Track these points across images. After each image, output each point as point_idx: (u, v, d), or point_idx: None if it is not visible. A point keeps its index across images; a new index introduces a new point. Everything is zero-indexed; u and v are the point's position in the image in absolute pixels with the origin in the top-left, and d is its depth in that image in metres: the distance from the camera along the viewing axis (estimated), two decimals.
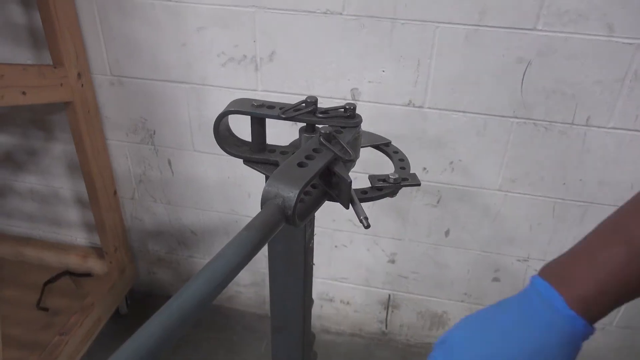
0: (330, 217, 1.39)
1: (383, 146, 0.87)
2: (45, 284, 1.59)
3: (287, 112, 0.78)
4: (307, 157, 0.67)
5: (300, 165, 0.64)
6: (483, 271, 1.40)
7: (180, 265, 1.63)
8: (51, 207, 1.60)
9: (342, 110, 0.78)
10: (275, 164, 0.82)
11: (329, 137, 0.71)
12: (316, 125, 0.80)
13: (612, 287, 0.40)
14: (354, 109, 0.78)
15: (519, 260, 1.35)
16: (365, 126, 1.22)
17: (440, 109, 1.17)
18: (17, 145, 1.49)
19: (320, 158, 0.67)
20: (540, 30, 1.04)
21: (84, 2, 1.20)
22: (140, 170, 1.44)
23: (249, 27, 1.15)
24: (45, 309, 1.51)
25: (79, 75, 1.23)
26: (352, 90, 1.18)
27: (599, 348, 1.47)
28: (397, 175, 0.77)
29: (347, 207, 0.70)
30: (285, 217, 0.59)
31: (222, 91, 1.25)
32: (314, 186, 0.70)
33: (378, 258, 1.44)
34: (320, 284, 1.55)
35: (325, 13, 1.10)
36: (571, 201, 1.21)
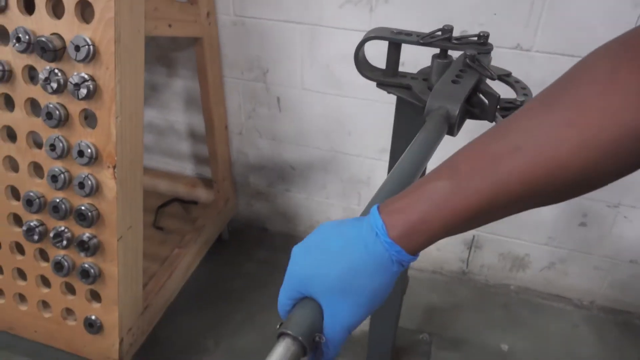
0: None
1: (504, 77, 0.94)
2: (159, 207, 1.78)
3: (425, 38, 0.87)
4: (458, 76, 0.77)
5: (455, 82, 0.75)
6: (571, 215, 1.45)
7: (277, 199, 1.78)
8: (166, 139, 1.77)
9: (476, 38, 0.86)
10: (408, 88, 0.91)
11: (474, 59, 0.80)
12: (448, 51, 0.88)
13: (434, 217, 0.41)
14: (487, 36, 0.86)
15: (608, 206, 1.40)
16: None
17: (548, 53, 1.22)
18: None
19: (468, 77, 0.77)
20: None
21: None
22: (251, 106, 1.58)
23: None
24: (161, 228, 1.70)
25: (208, 14, 1.36)
26: (461, 32, 1.25)
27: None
28: (523, 98, 0.84)
29: (492, 121, 0.79)
30: (448, 125, 0.69)
31: (335, 32, 1.34)
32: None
33: None
34: None
35: None
36: None
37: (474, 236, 1.60)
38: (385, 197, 0.51)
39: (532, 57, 1.23)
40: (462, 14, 1.22)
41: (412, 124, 0.94)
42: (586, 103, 0.37)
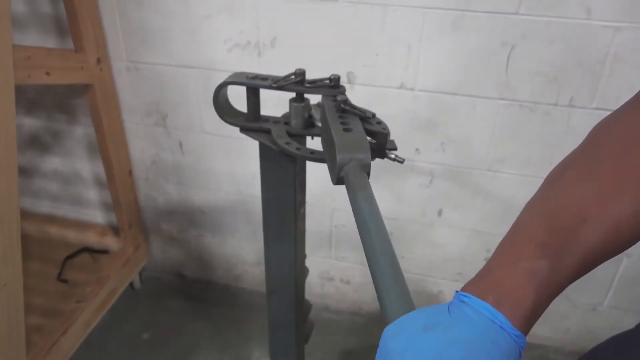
0: (329, 196, 1.47)
1: (367, 119, 0.94)
2: (66, 259, 1.71)
3: (278, 82, 0.86)
4: (344, 124, 0.74)
5: (347, 130, 0.71)
6: (476, 250, 1.45)
7: (191, 244, 1.73)
8: (73, 187, 1.72)
9: (328, 80, 0.86)
10: (268, 132, 0.91)
11: (347, 103, 0.79)
12: (304, 95, 0.88)
13: (544, 298, 0.41)
14: (339, 79, 0.86)
15: None
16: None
17: (430, 91, 1.24)
18: (43, 128, 1.61)
19: (353, 122, 0.74)
20: (523, 14, 1.10)
21: None
22: (154, 151, 1.55)
23: (253, 14, 1.24)
24: (65, 281, 1.63)
25: (98, 60, 1.35)
26: (348, 73, 1.26)
27: (591, 329, 1.51)
28: (389, 133, 0.84)
29: (384, 158, 0.78)
30: (367, 173, 0.67)
31: (226, 76, 1.34)
32: None
33: None
34: (321, 263, 1.62)
35: (323, 0, 1.19)
36: None
37: None
38: (402, 293, 0.45)
39: (417, 96, 1.25)
40: (346, 56, 1.24)
41: (277, 169, 0.93)
42: (627, 174, 0.43)
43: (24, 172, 1.73)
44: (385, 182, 1.40)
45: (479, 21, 1.13)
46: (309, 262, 1.63)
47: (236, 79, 0.89)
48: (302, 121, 0.88)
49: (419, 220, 1.44)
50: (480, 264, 1.47)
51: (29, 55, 1.12)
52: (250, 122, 0.92)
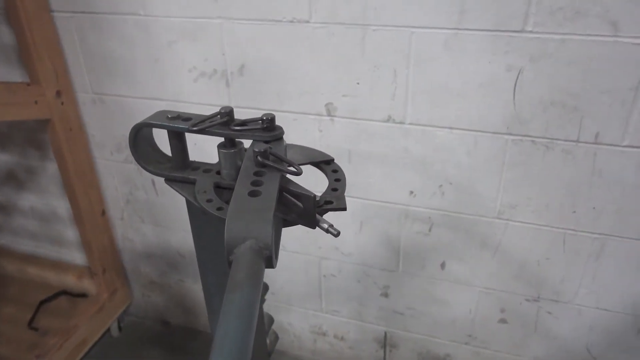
0: (315, 244, 1.28)
1: (324, 164, 0.76)
2: (41, 303, 1.59)
3: (198, 125, 0.69)
4: (254, 184, 0.57)
5: (253, 194, 0.54)
6: (487, 310, 1.22)
7: (172, 289, 1.57)
8: (51, 225, 1.61)
9: (260, 122, 0.68)
10: (193, 183, 0.74)
11: (266, 155, 0.61)
12: (237, 140, 0.71)
13: None
14: (273, 119, 0.68)
15: (527, 300, 1.16)
16: (343, 144, 1.11)
17: (423, 125, 1.04)
18: (17, 164, 1.52)
19: (268, 181, 0.57)
20: (531, 31, 0.89)
21: (64, 22, 1.20)
22: (127, 190, 1.41)
23: (217, 39, 1.09)
24: (36, 329, 1.50)
25: (57, 93, 1.23)
26: (326, 105, 1.08)
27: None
28: (318, 197, 0.65)
29: (314, 227, 0.60)
30: (265, 259, 0.48)
31: (195, 108, 1.19)
32: None
33: (370, 290, 1.31)
34: (311, 316, 1.42)
35: (292, 22, 1.02)
36: (584, 233, 1.03)
37: (386, 333, 1.36)
38: None
39: (407, 131, 1.05)
40: (323, 85, 1.06)
41: (209, 228, 0.76)
42: None
43: (2, 208, 1.64)
44: (377, 227, 1.20)
45: (477, 41, 0.92)
46: (297, 315, 1.45)
47: (153, 120, 0.73)
48: (235, 171, 0.71)
49: (418, 273, 1.23)
50: (494, 326, 1.24)
51: None
52: (176, 171, 0.76)
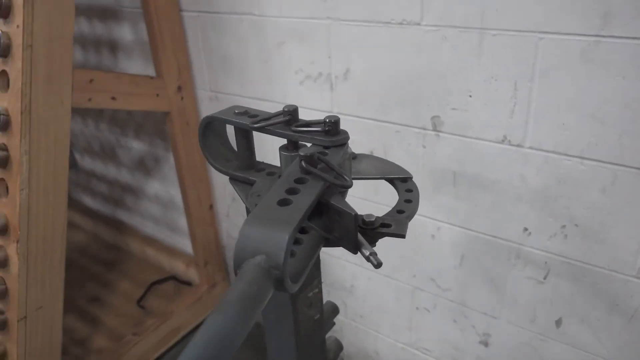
0: (410, 271, 1.16)
1: (398, 181, 0.65)
2: (152, 284, 1.70)
3: (260, 122, 0.64)
4: (290, 192, 0.50)
5: (283, 203, 0.47)
6: (468, 335, 0.98)
7: None
8: (169, 212, 1.71)
9: (322, 124, 0.61)
10: (251, 184, 0.69)
11: (313, 161, 0.53)
12: (300, 142, 0.64)
13: None
14: (336, 122, 0.60)
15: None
16: (448, 164, 0.98)
17: (546, 151, 0.86)
18: (148, 152, 1.64)
19: (307, 190, 0.50)
20: None
21: (190, 21, 1.25)
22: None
23: (324, 41, 1.04)
24: (143, 307, 1.60)
25: (178, 88, 1.29)
26: (432, 118, 0.96)
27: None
28: (373, 218, 0.55)
29: (356, 252, 0.52)
30: (274, 281, 0.42)
31: (301, 112, 1.15)
32: (303, 230, 0.52)
33: (467, 335, 1.14)
34: (400, 349, 1.29)
35: (401, 24, 0.92)
36: None
37: None
38: None
39: (526, 156, 0.88)
40: (430, 95, 0.94)
41: None
42: None
43: (134, 192, 1.79)
44: (482, 264, 1.03)
45: (624, 52, 0.73)
46: (385, 345, 1.32)
47: (221, 114, 0.70)
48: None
49: (526, 326, 1.03)
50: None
51: (91, 78, 1.09)
52: (240, 170, 0.71)
